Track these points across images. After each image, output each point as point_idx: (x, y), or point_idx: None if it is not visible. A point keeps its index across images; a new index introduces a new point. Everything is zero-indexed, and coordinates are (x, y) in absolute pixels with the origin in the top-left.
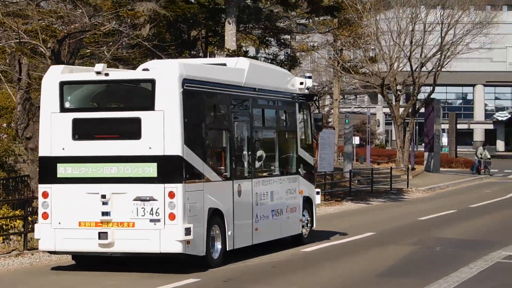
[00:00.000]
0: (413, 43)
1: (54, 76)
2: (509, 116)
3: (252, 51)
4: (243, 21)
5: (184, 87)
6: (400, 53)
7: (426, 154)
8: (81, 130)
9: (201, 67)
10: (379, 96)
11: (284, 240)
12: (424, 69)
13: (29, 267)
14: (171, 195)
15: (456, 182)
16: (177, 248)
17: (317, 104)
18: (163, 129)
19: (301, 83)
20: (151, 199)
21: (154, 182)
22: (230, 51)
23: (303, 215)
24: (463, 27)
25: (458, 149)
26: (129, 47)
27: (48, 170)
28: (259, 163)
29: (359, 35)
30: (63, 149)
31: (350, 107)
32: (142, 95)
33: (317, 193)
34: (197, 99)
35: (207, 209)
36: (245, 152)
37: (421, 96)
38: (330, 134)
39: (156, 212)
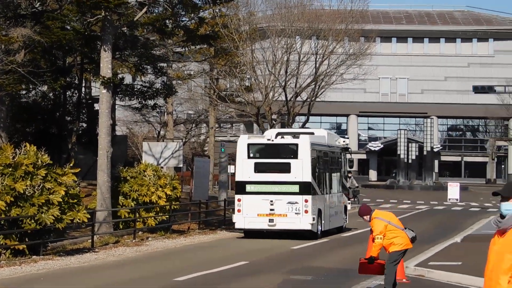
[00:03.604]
0: (288, 73)
1: (244, 140)
2: (382, 146)
3: (128, 78)
4: (119, 48)
5: (311, 147)
6: (275, 83)
7: None
8: (259, 168)
9: (313, 137)
10: (255, 125)
11: (331, 230)
12: (299, 98)
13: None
14: (306, 200)
15: None
16: (308, 227)
17: (349, 151)
18: (302, 168)
19: (343, 141)
20: (296, 202)
21: (297, 194)
22: (106, 78)
23: (344, 216)
24: (338, 58)
25: None
26: (3, 72)
27: (241, 187)
28: (330, 185)
29: (235, 64)
30: (249, 177)
31: (226, 136)
32: (292, 151)
33: (349, 203)
34: (314, 153)
35: (317, 208)
36: (326, 179)
37: (296, 125)
38: (205, 163)
39: (298, 209)
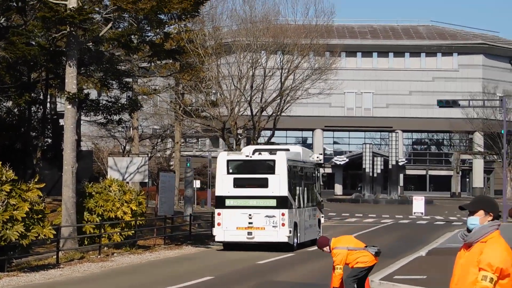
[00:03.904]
0: (253, 88)
1: (223, 156)
2: (347, 160)
3: (94, 93)
4: (85, 63)
5: (287, 163)
6: (240, 98)
7: None
8: (238, 183)
9: (289, 153)
10: (221, 139)
11: (306, 242)
12: (264, 113)
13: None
14: (283, 214)
15: None
16: (285, 240)
17: (323, 166)
18: (279, 183)
19: (317, 157)
20: (273, 216)
21: (274, 208)
22: (71, 94)
23: (318, 229)
24: (303, 73)
25: None
26: None
27: (221, 202)
28: (305, 199)
29: (200, 79)
30: (229, 192)
31: (191, 151)
32: (269, 167)
33: (322, 217)
34: (290, 168)
35: (293, 222)
36: (301, 193)
37: (262, 140)
38: (171, 177)
39: (275, 222)
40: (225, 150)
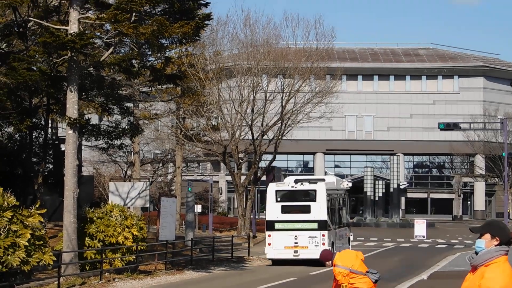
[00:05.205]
0: (254, 112)
1: (272, 187)
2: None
3: (95, 118)
4: (86, 88)
5: (326, 192)
6: (242, 122)
7: None
8: (285, 209)
9: (327, 183)
10: (222, 164)
11: None
12: (265, 137)
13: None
14: (323, 235)
15: None
16: None
17: (349, 193)
18: (319, 209)
19: (347, 184)
20: (315, 237)
21: (316, 230)
22: (72, 119)
23: (348, 246)
24: (304, 96)
25: None
26: None
27: (271, 225)
28: (339, 221)
29: (201, 103)
30: (277, 217)
31: (193, 175)
32: (311, 195)
33: (351, 235)
34: (328, 196)
35: (331, 241)
36: (336, 216)
37: (263, 164)
38: (172, 202)
39: (317, 242)
40: (226, 175)
